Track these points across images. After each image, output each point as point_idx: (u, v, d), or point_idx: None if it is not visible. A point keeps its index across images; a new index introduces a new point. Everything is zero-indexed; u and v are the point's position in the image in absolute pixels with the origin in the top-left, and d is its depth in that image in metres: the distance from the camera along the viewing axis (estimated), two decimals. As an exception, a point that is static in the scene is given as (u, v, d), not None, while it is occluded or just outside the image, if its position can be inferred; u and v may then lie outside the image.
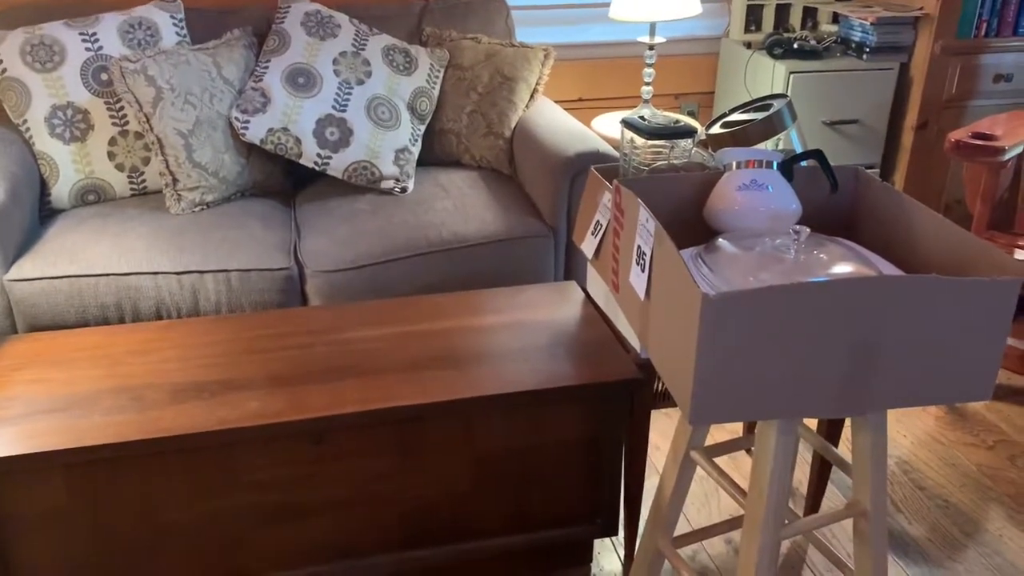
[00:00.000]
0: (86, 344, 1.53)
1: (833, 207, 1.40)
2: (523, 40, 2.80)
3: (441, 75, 2.41)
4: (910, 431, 2.10)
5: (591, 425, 1.46)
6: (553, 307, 1.64)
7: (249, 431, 1.30)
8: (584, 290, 1.72)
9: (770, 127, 1.40)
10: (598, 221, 1.38)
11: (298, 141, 2.18)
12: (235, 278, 1.92)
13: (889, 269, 1.24)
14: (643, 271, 1.16)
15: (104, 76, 2.16)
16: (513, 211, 2.14)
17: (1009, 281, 1.03)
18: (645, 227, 1.15)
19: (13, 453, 1.24)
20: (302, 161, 2.20)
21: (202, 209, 2.13)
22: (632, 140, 1.45)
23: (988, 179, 2.15)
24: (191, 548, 1.39)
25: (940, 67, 2.80)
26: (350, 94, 2.23)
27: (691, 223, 1.37)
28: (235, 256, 1.94)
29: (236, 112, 2.17)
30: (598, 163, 1.86)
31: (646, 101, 2.83)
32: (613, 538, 1.75)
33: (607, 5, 2.89)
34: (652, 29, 2.70)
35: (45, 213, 2.16)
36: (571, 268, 2.19)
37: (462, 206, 2.15)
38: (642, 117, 1.48)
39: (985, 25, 2.78)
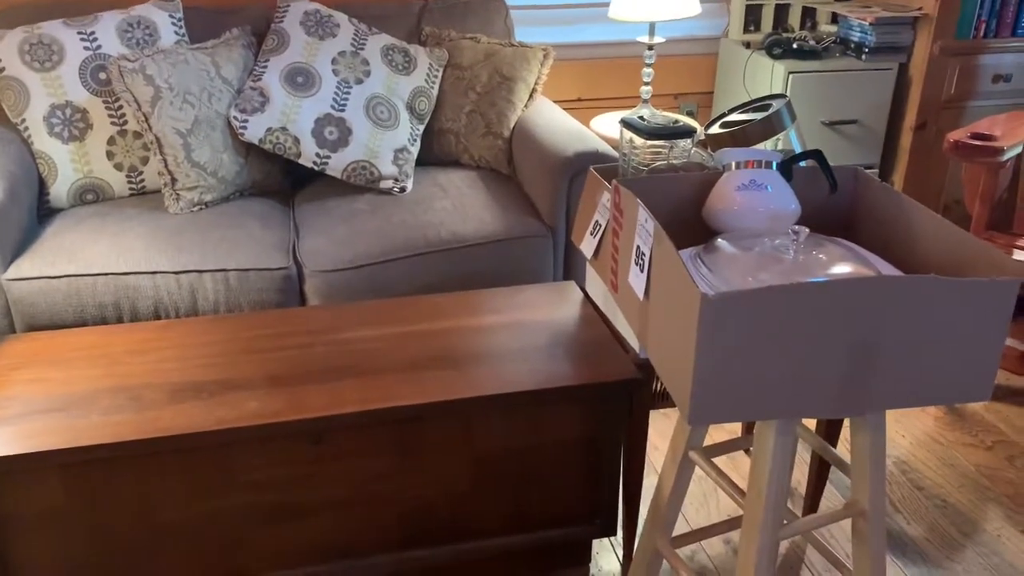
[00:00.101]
0: (84, 344, 1.52)
1: (832, 207, 1.40)
2: (522, 40, 2.80)
3: (440, 75, 2.41)
4: (909, 431, 2.10)
5: (590, 425, 1.46)
6: (552, 307, 1.64)
7: (248, 431, 1.30)
8: (583, 290, 1.72)
9: (769, 127, 1.40)
10: (597, 221, 1.38)
11: (297, 141, 2.17)
12: (233, 278, 1.92)
13: (888, 269, 1.24)
14: (642, 271, 1.16)
15: (103, 75, 2.16)
16: (512, 211, 2.14)
17: (1008, 281, 1.03)
18: (644, 227, 1.15)
19: (11, 453, 1.24)
20: (301, 161, 2.19)
21: (201, 209, 2.13)
22: (631, 140, 1.45)
23: (987, 179, 2.15)
24: (190, 548, 1.39)
25: (939, 67, 2.80)
26: (349, 93, 2.23)
27: (690, 223, 1.37)
28: (233, 256, 1.94)
29: (235, 111, 2.17)
30: (597, 163, 1.86)
31: (645, 101, 2.83)
32: (612, 538, 1.75)
33: (606, 5, 2.89)
34: (651, 29, 2.70)
35: (43, 212, 2.15)
36: (570, 268, 2.19)
37: (461, 206, 2.15)
38: (641, 117, 1.48)
39: (984, 25, 2.78)
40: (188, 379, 1.41)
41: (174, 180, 2.09)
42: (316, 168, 2.21)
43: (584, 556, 1.63)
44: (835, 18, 3.05)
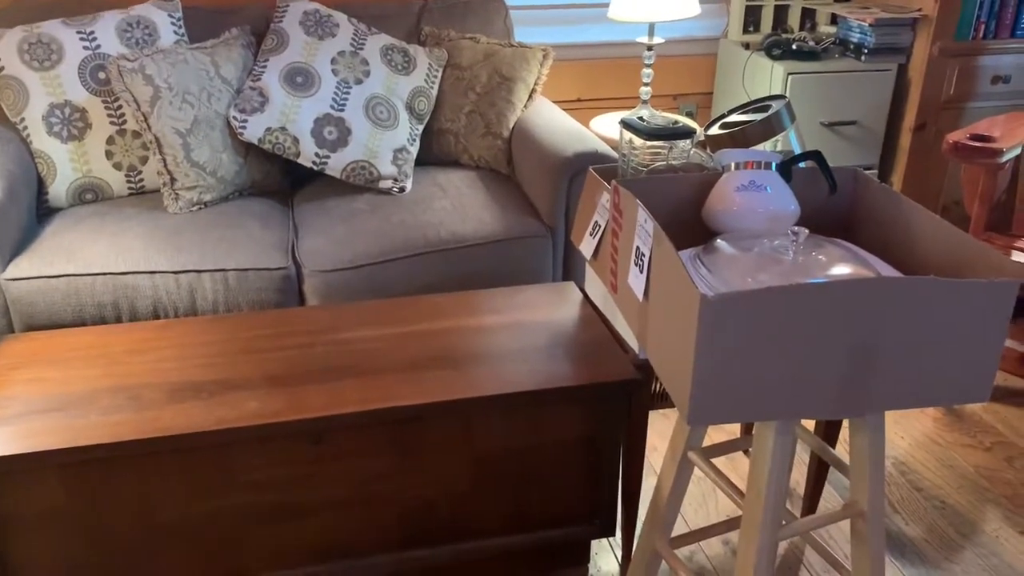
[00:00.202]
0: (83, 343, 1.52)
1: (831, 208, 1.40)
2: (522, 40, 2.80)
3: (439, 75, 2.41)
4: (908, 432, 2.10)
5: (589, 425, 1.46)
6: (551, 307, 1.64)
7: (247, 431, 1.30)
8: (582, 290, 1.72)
9: (769, 128, 1.40)
10: (596, 222, 1.38)
11: (296, 140, 2.17)
12: (233, 277, 1.92)
13: (887, 270, 1.25)
14: (641, 272, 1.16)
15: (102, 75, 2.16)
16: (511, 211, 2.14)
17: (1007, 283, 1.03)
18: (644, 228, 1.15)
19: (10, 453, 1.24)
20: (300, 161, 2.19)
21: (200, 208, 2.13)
22: (631, 141, 1.45)
23: (986, 180, 2.15)
24: (190, 548, 1.39)
25: (938, 68, 2.80)
26: (348, 93, 2.23)
27: (690, 224, 1.37)
28: (233, 255, 1.94)
29: (234, 111, 2.17)
30: (596, 163, 1.86)
31: (645, 102, 2.83)
32: (610, 538, 1.75)
33: (606, 5, 2.89)
34: (651, 29, 2.70)
35: (42, 212, 2.15)
36: (569, 268, 2.18)
37: (460, 206, 2.15)
38: (641, 118, 1.48)
39: (983, 27, 2.78)
40: (187, 379, 1.41)
41: (173, 180, 2.09)
42: (315, 168, 2.21)
43: (583, 556, 1.63)
44: (834, 19, 3.06)
